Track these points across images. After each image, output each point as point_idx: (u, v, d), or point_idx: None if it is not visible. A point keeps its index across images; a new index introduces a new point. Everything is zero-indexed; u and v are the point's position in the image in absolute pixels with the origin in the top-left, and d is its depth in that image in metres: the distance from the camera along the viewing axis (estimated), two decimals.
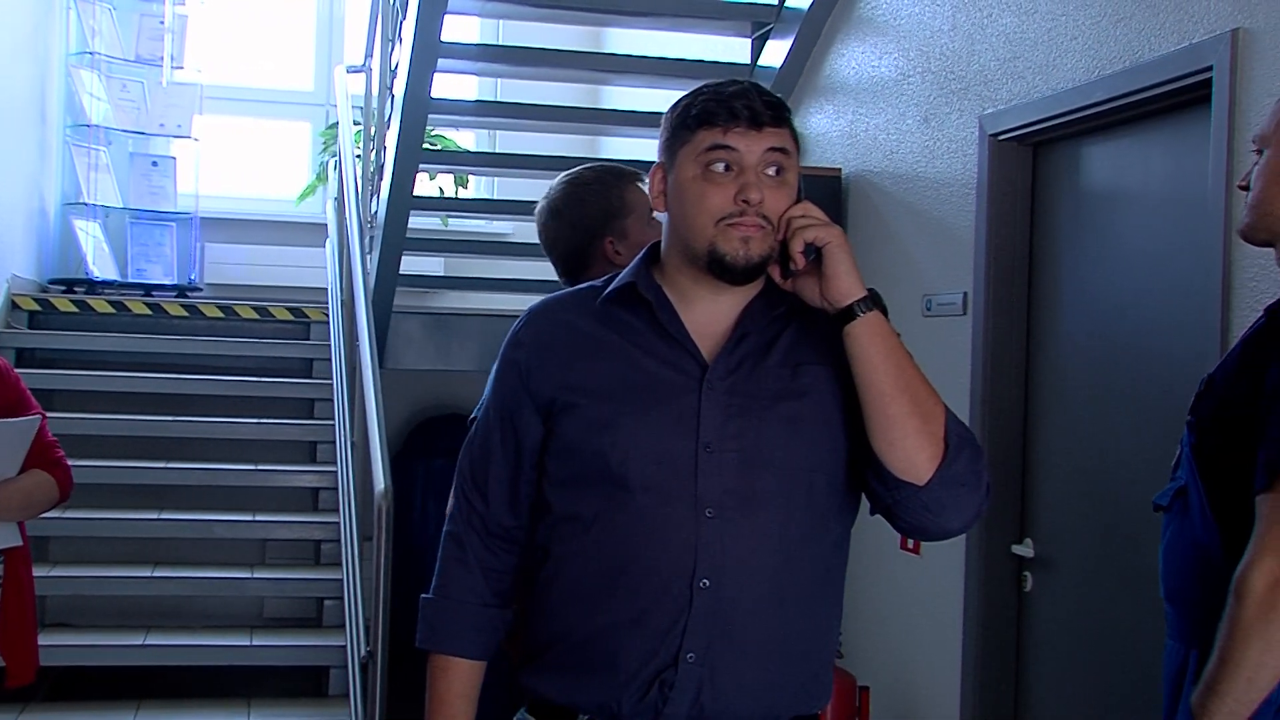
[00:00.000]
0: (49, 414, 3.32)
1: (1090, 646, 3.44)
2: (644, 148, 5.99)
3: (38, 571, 3.33)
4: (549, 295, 2.04)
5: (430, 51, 4.81)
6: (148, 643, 5.02)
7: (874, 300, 1.86)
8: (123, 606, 5.44)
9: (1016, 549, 3.70)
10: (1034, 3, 3.55)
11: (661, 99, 5.80)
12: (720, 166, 1.82)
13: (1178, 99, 3.10)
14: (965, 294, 3.82)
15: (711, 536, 1.82)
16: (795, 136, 1.89)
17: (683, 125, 1.86)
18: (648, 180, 1.95)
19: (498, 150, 7.70)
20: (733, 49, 5.36)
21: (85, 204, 7.27)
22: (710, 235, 1.82)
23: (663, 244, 1.94)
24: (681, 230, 1.87)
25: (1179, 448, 2.14)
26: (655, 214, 1.95)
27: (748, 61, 5.21)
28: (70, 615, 5.56)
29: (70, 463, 3.29)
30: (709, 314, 1.89)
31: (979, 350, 3.74)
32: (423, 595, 2.01)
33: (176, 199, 7.69)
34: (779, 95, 1.90)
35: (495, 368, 2.00)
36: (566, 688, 1.88)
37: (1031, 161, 3.72)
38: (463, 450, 2.02)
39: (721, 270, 1.83)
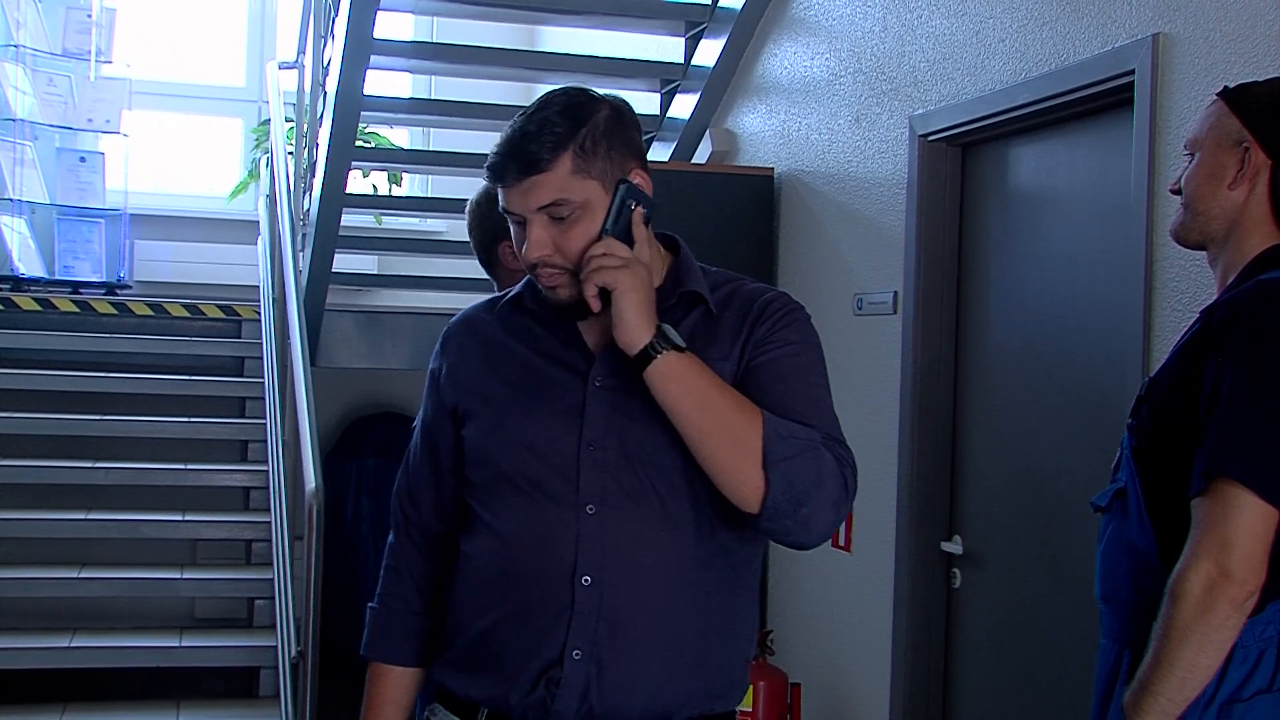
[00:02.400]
0: None
1: (1018, 642, 3.49)
2: None
3: None
4: (472, 305, 2.04)
5: (363, 48, 4.78)
6: (74, 644, 4.95)
7: (665, 338, 1.78)
8: (49, 608, 5.35)
9: (945, 546, 3.74)
10: (963, 5, 3.59)
11: None
12: (514, 222, 1.84)
13: (1101, 102, 3.15)
14: (895, 293, 3.85)
15: (592, 534, 1.81)
16: (584, 165, 1.79)
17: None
18: None
19: (431, 148, 7.67)
20: (666, 48, 5.38)
21: (10, 200, 7.16)
22: (525, 278, 1.94)
23: None
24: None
25: (1119, 449, 2.17)
26: None
27: (681, 60, 5.23)
28: (3, 617, 5.47)
29: None
30: (606, 314, 1.81)
31: (909, 348, 3.78)
32: (369, 604, 2.06)
33: (105, 195, 7.58)
34: (557, 131, 1.78)
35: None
36: (464, 682, 1.91)
37: (960, 162, 3.76)
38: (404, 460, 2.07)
39: (563, 310, 1.86)
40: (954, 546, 3.71)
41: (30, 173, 7.27)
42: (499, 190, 1.82)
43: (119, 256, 7.59)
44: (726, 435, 1.77)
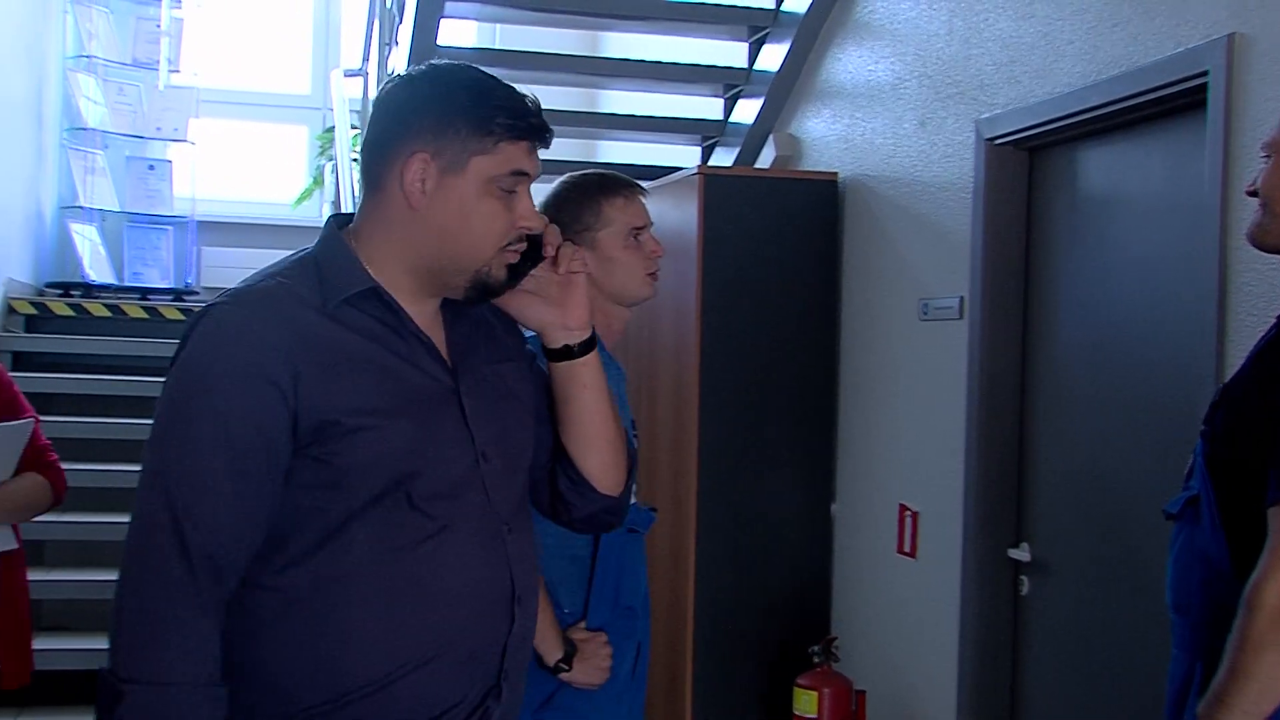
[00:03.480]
0: (44, 418, 3.32)
1: (1088, 651, 3.44)
2: (642, 151, 5.99)
3: (33, 575, 3.33)
4: (247, 292, 1.71)
5: (427, 55, 4.80)
6: None
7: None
8: None
9: (1013, 553, 3.70)
10: (1030, 7, 3.55)
11: (659, 103, 5.81)
12: (504, 189, 1.72)
13: (1174, 104, 3.10)
14: (962, 298, 3.82)
15: (515, 551, 1.78)
16: None
17: (483, 130, 1.71)
18: (403, 166, 1.72)
19: None
20: (729, 53, 5.36)
21: (82, 208, 7.28)
22: (486, 259, 1.73)
23: (385, 241, 1.74)
24: (448, 242, 1.71)
25: (1192, 456, 2.14)
26: (410, 206, 1.73)
27: (744, 65, 5.21)
28: (66, 619, 5.55)
29: (65, 466, 3.29)
30: (423, 315, 1.77)
31: (975, 354, 3.74)
32: (117, 678, 1.60)
33: (173, 202, 7.70)
34: None
35: (207, 377, 1.64)
36: None
37: (1028, 166, 3.72)
38: (155, 479, 1.63)
39: (480, 294, 1.76)
40: (1021, 553, 3.67)
41: (101, 181, 7.39)
42: (523, 150, 1.74)
43: (186, 263, 7.70)
44: (615, 421, 1.91)
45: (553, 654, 2.47)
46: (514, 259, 1.76)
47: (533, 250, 1.81)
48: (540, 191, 2.93)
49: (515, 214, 1.74)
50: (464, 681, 1.72)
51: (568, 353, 1.87)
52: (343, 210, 5.85)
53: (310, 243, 1.80)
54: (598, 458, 1.90)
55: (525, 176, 1.75)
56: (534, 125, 1.75)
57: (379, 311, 1.72)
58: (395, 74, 1.82)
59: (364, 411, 1.65)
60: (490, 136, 1.71)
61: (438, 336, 1.78)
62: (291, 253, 1.79)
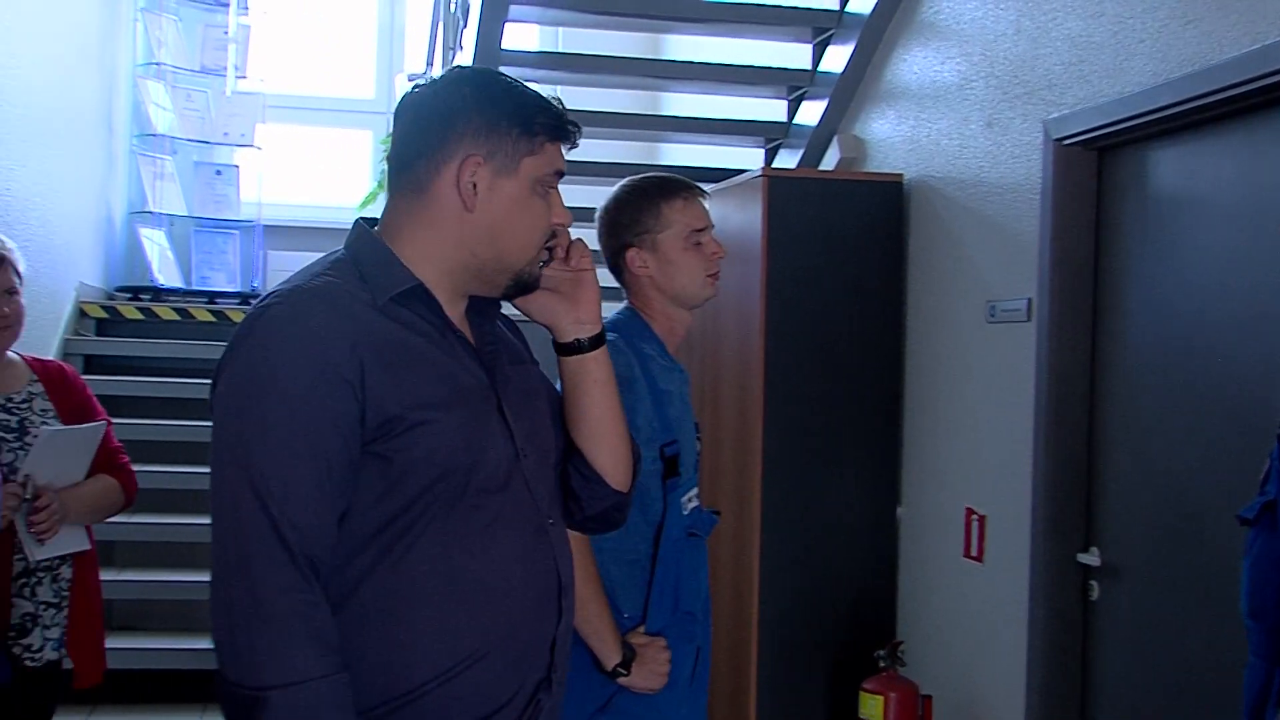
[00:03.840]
0: (114, 420, 3.36)
1: (1160, 658, 3.39)
2: (704, 154, 5.99)
3: (103, 575, 3.37)
4: (300, 290, 1.71)
5: (491, 59, 4.83)
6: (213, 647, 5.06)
7: None
8: (187, 610, 5.49)
9: (1082, 557, 3.65)
10: (1101, 5, 3.50)
11: (722, 105, 5.81)
12: (547, 187, 1.79)
13: (1249, 102, 3.04)
14: (1029, 300, 3.78)
15: (559, 545, 1.82)
16: None
17: (528, 131, 1.75)
18: (459, 170, 1.75)
19: None
20: (793, 54, 5.35)
21: (151, 213, 7.38)
22: (530, 257, 1.79)
23: (430, 242, 1.76)
24: (498, 242, 1.76)
25: (1268, 461, 2.11)
26: (465, 208, 1.75)
27: (808, 67, 5.19)
28: (136, 619, 5.63)
29: (135, 468, 3.33)
30: (456, 316, 1.81)
31: (1043, 356, 3.70)
32: (249, 688, 1.57)
33: (240, 207, 7.79)
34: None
35: (277, 376, 1.63)
36: None
37: (1097, 166, 3.67)
38: (241, 485, 1.61)
39: (518, 290, 1.82)
40: (1091, 558, 3.63)
41: (169, 186, 7.49)
42: (559, 150, 1.80)
43: (253, 267, 7.79)
44: (623, 417, 1.96)
45: (611, 658, 2.47)
46: (546, 256, 1.82)
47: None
48: (598, 194, 2.94)
49: (552, 212, 1.80)
50: (517, 675, 1.74)
51: (578, 347, 1.92)
52: None
53: None
54: (609, 452, 1.95)
55: (561, 176, 1.81)
56: (569, 125, 1.80)
57: (422, 310, 1.74)
58: (418, 81, 1.82)
59: (423, 406, 1.67)
60: (536, 138, 1.76)
61: (469, 337, 1.82)
62: (324, 255, 1.81)
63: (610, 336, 2.49)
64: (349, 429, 1.63)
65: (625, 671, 2.48)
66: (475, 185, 1.73)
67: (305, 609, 1.59)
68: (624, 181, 2.79)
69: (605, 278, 4.54)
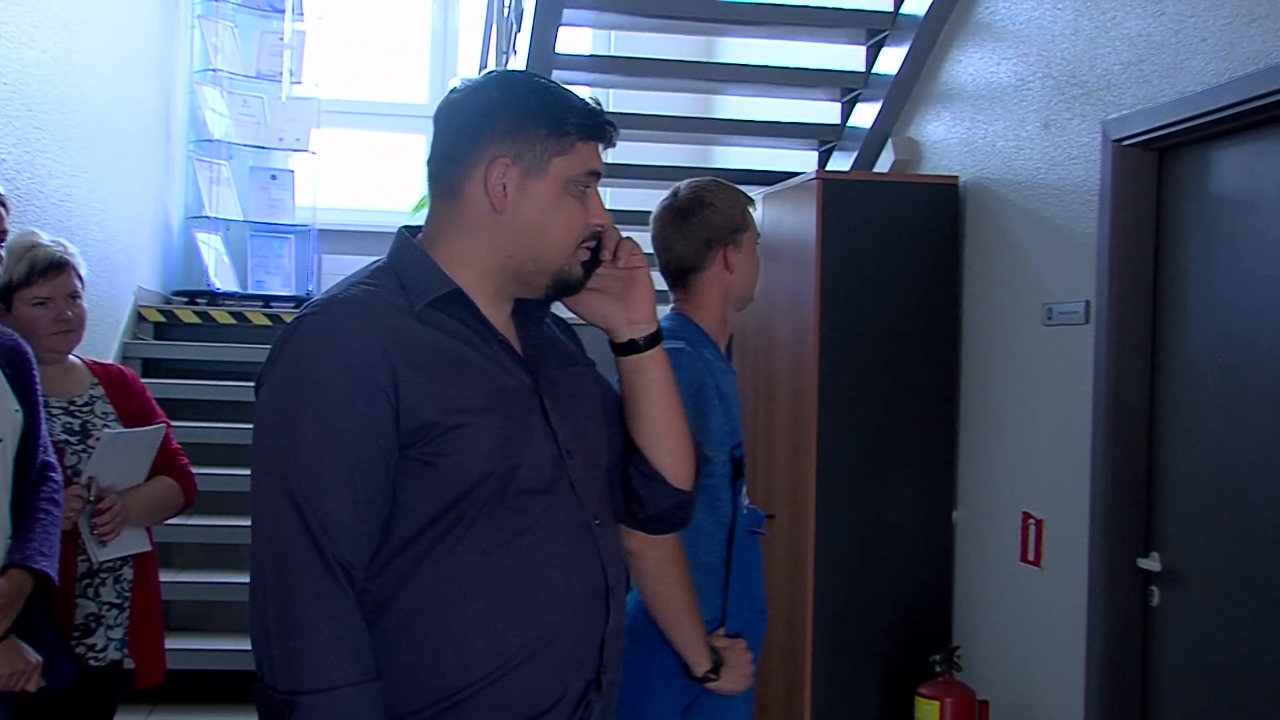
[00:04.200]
0: (172, 422, 3.39)
1: (1223, 665, 3.35)
2: (757, 156, 5.97)
3: (162, 577, 3.40)
4: (337, 300, 1.73)
5: (545, 63, 4.84)
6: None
7: None
8: (244, 612, 5.52)
9: (1142, 563, 3.61)
10: (1161, 4, 3.46)
11: (775, 108, 5.79)
12: (581, 187, 1.78)
13: None
14: (1087, 302, 3.74)
15: (606, 546, 1.81)
16: None
17: (557, 131, 1.75)
18: (487, 171, 1.75)
19: (609, 160, 7.72)
20: (847, 56, 5.32)
21: (207, 217, 7.44)
22: (567, 257, 1.78)
23: (467, 246, 1.77)
24: (531, 242, 1.76)
25: None
26: (495, 210, 1.76)
27: (862, 69, 5.17)
28: (193, 620, 5.68)
29: (193, 470, 3.36)
30: (499, 319, 1.81)
31: (1102, 359, 3.66)
32: (280, 692, 1.60)
33: (295, 211, 7.84)
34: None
35: (311, 385, 1.65)
36: None
37: (1157, 167, 3.63)
38: (278, 493, 1.63)
39: (560, 291, 1.81)
40: (1151, 563, 3.58)
41: (225, 191, 7.55)
42: (594, 150, 1.80)
43: (307, 270, 7.84)
44: (682, 415, 1.96)
45: (702, 665, 2.49)
46: (586, 256, 1.82)
47: (592, 252, 1.86)
48: (653, 197, 2.94)
49: (589, 212, 1.80)
50: (565, 676, 1.74)
51: (634, 346, 1.91)
52: None
53: None
54: (669, 451, 1.94)
55: (597, 176, 1.80)
56: (604, 125, 1.79)
57: (461, 314, 1.75)
58: (455, 85, 1.84)
59: (460, 410, 1.67)
60: (567, 138, 1.75)
61: (513, 340, 1.82)
62: (368, 263, 1.83)
63: (677, 344, 2.55)
64: (384, 436, 1.64)
65: (716, 677, 2.51)
66: (505, 186, 1.74)
67: (338, 615, 1.61)
68: (700, 182, 2.81)
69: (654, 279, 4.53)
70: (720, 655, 2.52)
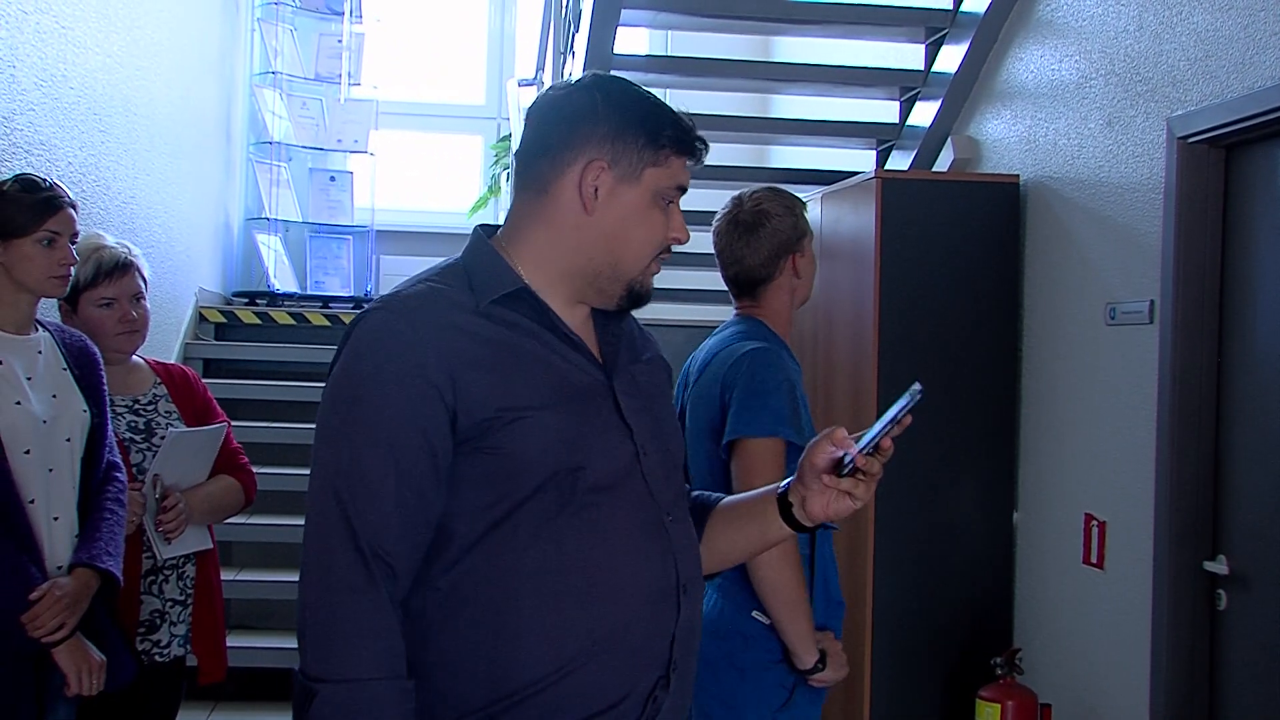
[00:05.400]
0: (234, 422, 3.42)
1: None
2: (814, 156, 5.95)
3: (222, 575, 3.43)
4: (399, 297, 1.74)
5: (603, 63, 4.84)
6: None
7: None
8: None
9: (1209, 565, 3.55)
10: None
11: (833, 107, 5.76)
12: (667, 201, 1.78)
13: None
14: (1152, 302, 3.69)
15: (679, 541, 1.80)
16: None
17: (654, 141, 1.75)
18: (582, 172, 1.74)
19: None
20: (906, 55, 5.29)
21: (267, 219, 7.51)
22: (642, 268, 1.78)
23: (547, 244, 1.77)
24: (613, 247, 1.76)
25: None
26: (584, 211, 1.76)
27: (921, 68, 5.13)
28: (253, 618, 5.73)
29: (253, 470, 3.39)
30: (574, 320, 1.80)
31: (1166, 359, 3.61)
32: (308, 678, 1.62)
33: (353, 213, 7.90)
34: None
35: (365, 381, 1.66)
36: None
37: (1224, 164, 3.58)
38: (325, 482, 1.65)
39: (632, 303, 1.81)
40: (1218, 566, 3.53)
41: (285, 192, 7.62)
42: (683, 165, 1.79)
43: (366, 271, 7.89)
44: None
45: (811, 656, 2.61)
46: (658, 269, 1.82)
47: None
48: (711, 198, 2.94)
49: (670, 226, 1.79)
50: (632, 674, 1.72)
51: (800, 527, 1.96)
52: None
53: None
54: (720, 564, 1.99)
55: (683, 191, 1.80)
56: (696, 142, 1.79)
57: (530, 312, 1.75)
58: (554, 83, 1.85)
59: (524, 405, 1.67)
60: (662, 150, 1.75)
61: (589, 339, 1.81)
62: (440, 261, 1.83)
63: (762, 344, 2.69)
64: (436, 434, 1.64)
65: (822, 667, 2.62)
66: (597, 190, 1.74)
67: (370, 610, 1.61)
68: (758, 193, 2.90)
69: (705, 280, 4.52)
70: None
